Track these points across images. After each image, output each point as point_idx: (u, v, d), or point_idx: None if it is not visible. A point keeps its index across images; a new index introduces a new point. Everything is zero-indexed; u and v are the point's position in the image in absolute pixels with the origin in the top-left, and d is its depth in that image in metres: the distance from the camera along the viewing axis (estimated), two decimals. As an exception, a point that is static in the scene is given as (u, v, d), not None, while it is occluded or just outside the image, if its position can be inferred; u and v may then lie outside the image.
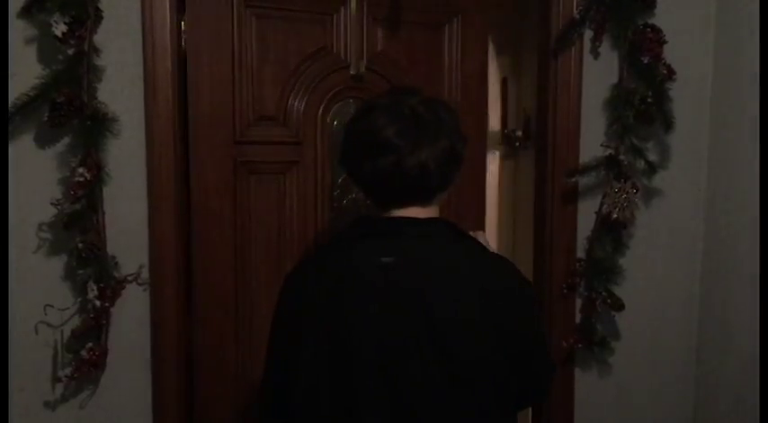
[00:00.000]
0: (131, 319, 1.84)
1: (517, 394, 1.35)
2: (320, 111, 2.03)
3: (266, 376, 1.44)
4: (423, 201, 1.33)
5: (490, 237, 3.92)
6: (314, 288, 1.34)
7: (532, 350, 1.38)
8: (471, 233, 1.45)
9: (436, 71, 2.15)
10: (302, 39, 1.99)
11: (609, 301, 2.09)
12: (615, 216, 2.04)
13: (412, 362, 1.26)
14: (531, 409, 2.46)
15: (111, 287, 1.74)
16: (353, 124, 1.35)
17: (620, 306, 2.10)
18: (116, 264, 1.78)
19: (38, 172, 1.72)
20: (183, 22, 1.85)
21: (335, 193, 2.08)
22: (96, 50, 1.70)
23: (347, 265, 1.32)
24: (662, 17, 2.06)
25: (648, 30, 2.02)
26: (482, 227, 2.25)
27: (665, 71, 2.03)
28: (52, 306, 1.73)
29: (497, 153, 4.14)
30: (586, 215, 2.15)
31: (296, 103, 2.00)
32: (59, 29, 1.61)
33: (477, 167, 2.24)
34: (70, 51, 1.65)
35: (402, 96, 1.33)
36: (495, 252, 1.43)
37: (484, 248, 1.41)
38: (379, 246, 1.30)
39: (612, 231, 2.11)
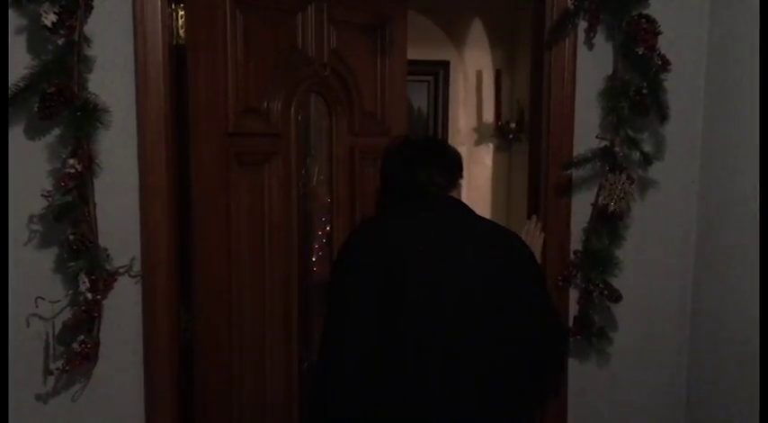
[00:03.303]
0: (123, 311, 1.83)
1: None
2: (293, 104, 2.10)
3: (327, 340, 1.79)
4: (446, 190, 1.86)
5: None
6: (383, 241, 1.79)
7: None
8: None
9: (372, 70, 2.29)
10: (277, 34, 2.04)
11: (606, 292, 2.09)
12: (611, 208, 2.04)
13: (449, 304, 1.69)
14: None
15: (103, 279, 1.73)
16: (392, 156, 1.94)
17: (617, 297, 2.10)
18: (108, 256, 1.76)
19: (28, 163, 1.71)
20: (174, 13, 1.83)
21: (300, 183, 2.21)
22: (87, 40, 1.68)
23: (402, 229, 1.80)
24: (656, 7, 2.05)
25: (643, 20, 2.01)
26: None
27: (659, 62, 2.02)
28: (43, 298, 1.71)
29: (491, 145, 4.14)
30: (582, 207, 2.14)
31: (274, 96, 2.05)
32: (49, 18, 1.59)
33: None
34: (60, 41, 1.64)
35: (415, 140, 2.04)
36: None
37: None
38: (424, 216, 1.80)
39: (609, 223, 2.10)
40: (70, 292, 1.75)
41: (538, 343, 1.77)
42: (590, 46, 2.11)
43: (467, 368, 1.67)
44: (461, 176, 1.94)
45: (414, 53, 2.46)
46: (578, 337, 2.15)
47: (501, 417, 1.71)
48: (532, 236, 2.11)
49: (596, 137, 2.08)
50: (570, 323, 2.17)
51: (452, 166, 1.91)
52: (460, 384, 1.67)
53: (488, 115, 4.09)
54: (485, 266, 1.72)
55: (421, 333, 1.68)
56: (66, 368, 1.71)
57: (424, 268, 1.70)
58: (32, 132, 1.71)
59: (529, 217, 2.25)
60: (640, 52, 2.02)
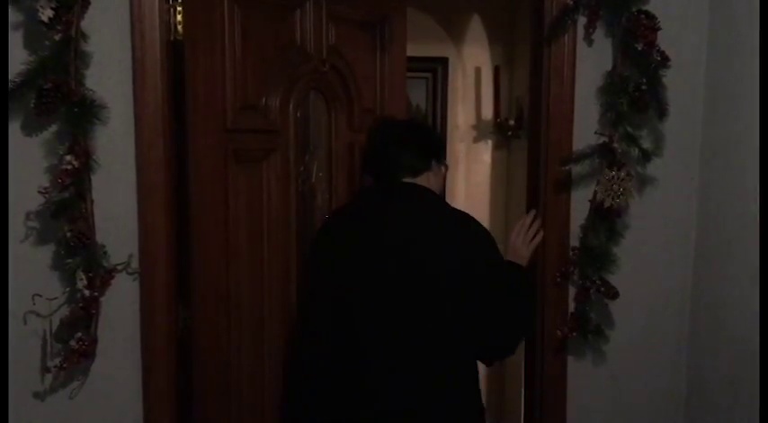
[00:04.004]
0: (121, 308, 1.82)
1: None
2: (291, 100, 2.10)
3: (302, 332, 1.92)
4: (411, 175, 1.86)
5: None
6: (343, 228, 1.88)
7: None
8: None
9: (371, 66, 2.30)
10: (276, 30, 2.03)
11: (602, 289, 2.09)
12: (609, 204, 2.03)
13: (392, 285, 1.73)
14: (523, 397, 2.46)
15: (101, 276, 1.73)
16: (371, 134, 1.97)
17: (613, 294, 2.10)
18: (105, 252, 1.76)
19: (24, 160, 1.70)
20: (172, 9, 1.82)
21: (300, 180, 2.21)
22: (84, 36, 1.67)
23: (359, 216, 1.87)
24: (656, 3, 2.05)
25: (643, 16, 2.00)
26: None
27: (659, 58, 2.01)
28: (41, 296, 1.70)
29: (490, 142, 4.13)
30: (581, 203, 2.14)
31: (272, 93, 2.04)
32: (46, 14, 1.58)
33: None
34: (57, 37, 1.62)
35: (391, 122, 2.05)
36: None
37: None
38: (383, 205, 1.84)
39: (606, 219, 2.09)
40: (67, 289, 1.75)
41: (488, 341, 1.80)
42: (589, 42, 2.10)
43: (412, 365, 1.73)
44: (439, 162, 1.94)
45: (412, 50, 2.46)
46: (574, 334, 2.14)
47: (445, 410, 1.76)
48: (530, 231, 2.08)
49: (595, 132, 2.07)
50: (567, 320, 2.17)
51: (427, 148, 1.91)
52: (407, 384, 1.73)
53: (487, 112, 4.08)
54: (439, 261, 1.73)
55: (372, 331, 1.75)
56: (64, 366, 1.70)
57: (379, 263, 1.75)
58: (29, 129, 1.70)
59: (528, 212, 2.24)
60: (640, 48, 2.01)
